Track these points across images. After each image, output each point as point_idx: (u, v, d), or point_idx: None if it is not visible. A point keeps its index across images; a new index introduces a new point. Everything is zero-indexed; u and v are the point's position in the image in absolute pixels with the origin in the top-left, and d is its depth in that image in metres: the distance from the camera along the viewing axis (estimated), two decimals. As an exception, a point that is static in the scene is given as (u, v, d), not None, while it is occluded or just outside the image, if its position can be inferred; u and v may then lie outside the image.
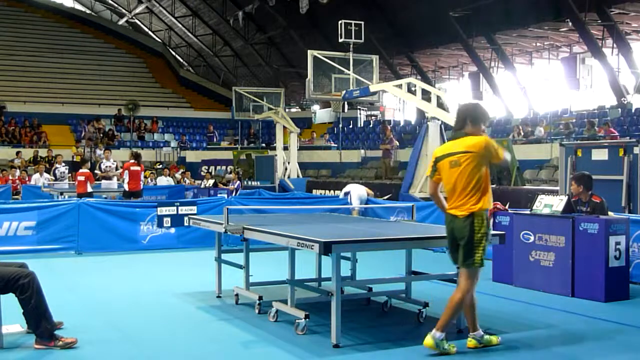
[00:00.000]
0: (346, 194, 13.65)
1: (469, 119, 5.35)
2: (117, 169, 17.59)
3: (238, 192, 17.27)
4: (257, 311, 6.59)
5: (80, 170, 15.08)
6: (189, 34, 41.16)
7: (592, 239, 7.33)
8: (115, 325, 6.20)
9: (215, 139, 32.87)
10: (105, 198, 14.59)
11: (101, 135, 30.46)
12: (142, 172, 15.53)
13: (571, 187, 8.30)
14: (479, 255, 5.24)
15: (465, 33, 25.20)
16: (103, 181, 16.84)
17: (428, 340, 5.19)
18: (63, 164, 19.50)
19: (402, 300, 6.79)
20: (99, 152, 25.38)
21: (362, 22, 17.20)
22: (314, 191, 19.36)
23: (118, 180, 16.46)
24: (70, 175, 19.92)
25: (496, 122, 26.24)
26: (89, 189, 14.70)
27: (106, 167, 17.20)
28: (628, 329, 6.26)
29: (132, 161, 14.93)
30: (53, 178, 19.23)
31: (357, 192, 13.47)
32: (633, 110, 21.30)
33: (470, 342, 5.44)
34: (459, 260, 5.35)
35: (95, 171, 17.87)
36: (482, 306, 6.95)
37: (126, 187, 14.74)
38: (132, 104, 30.97)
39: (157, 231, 11.38)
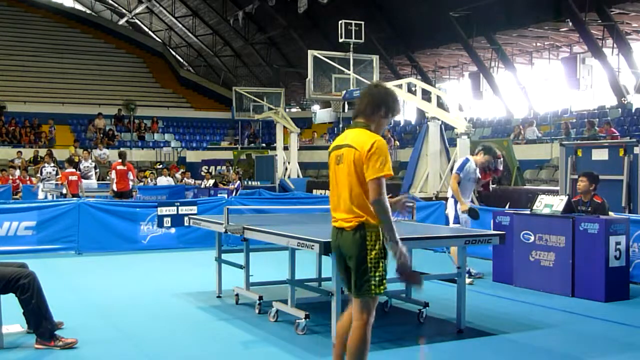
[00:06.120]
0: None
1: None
2: (96, 168, 17.85)
3: (238, 192, 17.28)
4: (257, 311, 6.60)
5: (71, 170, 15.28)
6: (189, 34, 41.14)
7: (592, 239, 7.33)
8: (115, 325, 6.20)
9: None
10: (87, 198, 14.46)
11: (101, 135, 30.45)
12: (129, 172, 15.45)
13: (580, 183, 8.17)
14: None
15: (465, 33, 25.18)
16: (83, 181, 16.86)
17: None
18: (52, 164, 19.21)
19: (402, 300, 6.79)
20: (98, 152, 25.33)
21: (362, 22, 17.21)
22: (314, 191, 19.35)
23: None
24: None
25: (496, 122, 26.28)
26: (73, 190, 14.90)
27: (84, 167, 17.23)
28: (628, 329, 6.26)
29: (119, 160, 15.10)
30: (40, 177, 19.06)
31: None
32: (633, 110, 21.29)
33: None
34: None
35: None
36: (483, 306, 6.99)
37: (114, 187, 14.92)
38: (130, 104, 30.93)
39: (157, 231, 11.37)
